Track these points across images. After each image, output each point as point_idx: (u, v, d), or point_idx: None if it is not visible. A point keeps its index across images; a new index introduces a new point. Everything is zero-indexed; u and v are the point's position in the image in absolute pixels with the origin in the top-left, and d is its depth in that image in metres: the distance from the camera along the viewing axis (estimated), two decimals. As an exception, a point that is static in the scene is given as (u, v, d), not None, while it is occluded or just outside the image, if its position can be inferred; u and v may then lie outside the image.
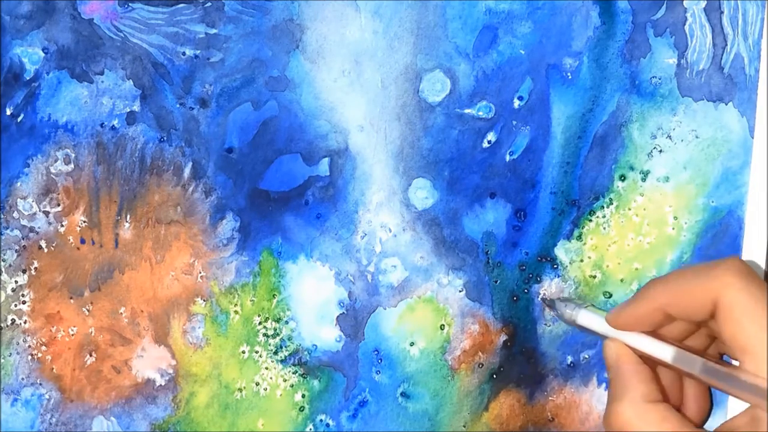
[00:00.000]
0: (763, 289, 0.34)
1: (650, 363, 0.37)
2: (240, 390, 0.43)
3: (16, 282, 0.42)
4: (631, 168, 0.42)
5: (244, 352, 0.42)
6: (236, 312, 0.42)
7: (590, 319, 0.39)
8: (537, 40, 0.42)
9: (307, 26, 0.42)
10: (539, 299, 0.42)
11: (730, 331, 0.34)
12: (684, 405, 0.39)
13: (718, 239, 0.42)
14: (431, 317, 0.43)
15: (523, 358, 0.43)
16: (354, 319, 0.43)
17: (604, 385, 0.43)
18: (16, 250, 0.42)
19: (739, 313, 0.33)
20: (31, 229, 0.42)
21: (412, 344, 0.43)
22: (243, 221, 0.42)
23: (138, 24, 0.41)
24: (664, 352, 0.36)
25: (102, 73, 0.41)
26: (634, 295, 0.37)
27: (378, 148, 0.42)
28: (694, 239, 0.42)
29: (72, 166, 0.42)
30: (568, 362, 0.43)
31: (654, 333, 0.37)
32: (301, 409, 0.43)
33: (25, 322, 0.42)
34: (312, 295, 0.43)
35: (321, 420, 0.43)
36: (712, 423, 0.41)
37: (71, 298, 0.42)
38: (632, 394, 0.36)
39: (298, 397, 0.43)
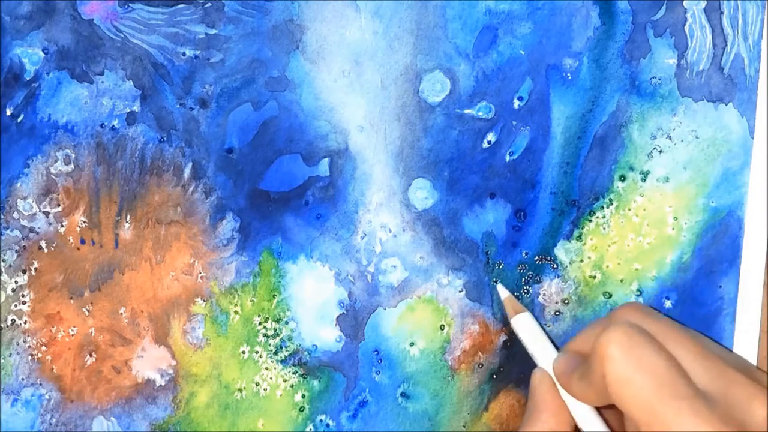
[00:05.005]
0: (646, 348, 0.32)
1: None
2: (240, 390, 0.43)
3: (16, 282, 0.42)
4: (631, 168, 0.42)
5: (244, 352, 0.42)
6: (236, 312, 0.42)
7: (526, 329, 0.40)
8: (537, 40, 0.42)
9: (307, 26, 0.41)
10: (492, 282, 0.42)
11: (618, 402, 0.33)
12: None
13: (718, 239, 0.42)
14: (431, 317, 0.43)
15: (523, 358, 0.43)
16: (354, 319, 0.43)
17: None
18: (16, 251, 0.42)
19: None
20: (31, 230, 0.42)
21: (412, 344, 0.43)
22: (243, 221, 0.42)
23: (138, 24, 0.41)
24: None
25: (102, 74, 0.41)
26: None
27: (378, 149, 0.42)
28: (694, 240, 0.42)
29: (72, 166, 0.42)
30: (568, 362, 0.43)
31: None
32: (301, 409, 0.43)
33: (25, 323, 0.42)
34: (312, 296, 0.43)
35: (321, 420, 0.43)
36: None
37: (71, 298, 0.42)
38: (544, 423, 0.37)
39: (298, 397, 0.43)
